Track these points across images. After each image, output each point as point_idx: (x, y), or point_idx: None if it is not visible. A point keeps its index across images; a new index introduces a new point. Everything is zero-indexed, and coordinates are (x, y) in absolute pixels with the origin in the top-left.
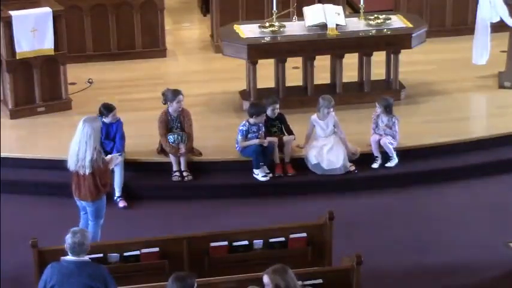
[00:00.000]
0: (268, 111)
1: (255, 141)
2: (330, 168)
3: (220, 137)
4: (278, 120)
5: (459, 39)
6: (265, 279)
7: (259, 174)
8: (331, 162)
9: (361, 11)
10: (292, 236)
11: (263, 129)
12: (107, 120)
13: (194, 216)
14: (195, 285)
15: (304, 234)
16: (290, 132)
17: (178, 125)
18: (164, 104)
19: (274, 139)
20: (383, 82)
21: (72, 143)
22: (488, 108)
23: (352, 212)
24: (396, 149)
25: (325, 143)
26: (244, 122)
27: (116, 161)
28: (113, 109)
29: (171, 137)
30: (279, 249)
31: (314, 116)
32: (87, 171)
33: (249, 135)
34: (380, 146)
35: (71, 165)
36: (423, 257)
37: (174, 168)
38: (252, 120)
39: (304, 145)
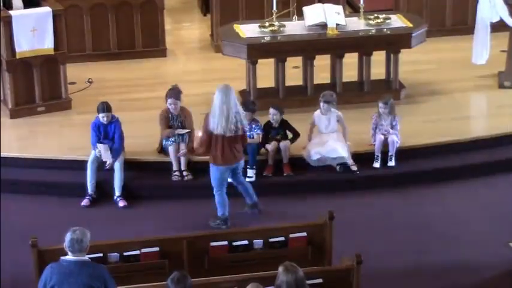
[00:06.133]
0: (269, 116)
1: None
2: (331, 157)
3: None
4: (281, 128)
5: (459, 39)
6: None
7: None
8: (333, 150)
9: (361, 10)
10: (292, 235)
11: (257, 131)
12: (100, 119)
13: (194, 216)
14: None
15: (304, 234)
16: (296, 134)
17: (179, 124)
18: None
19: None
20: (383, 82)
21: (222, 110)
22: (488, 108)
23: (352, 212)
24: (396, 149)
25: (328, 139)
26: None
27: None
28: (104, 110)
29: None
30: (279, 249)
31: (317, 112)
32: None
33: None
34: (383, 146)
35: (226, 131)
36: (423, 257)
37: (174, 167)
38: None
39: (308, 143)
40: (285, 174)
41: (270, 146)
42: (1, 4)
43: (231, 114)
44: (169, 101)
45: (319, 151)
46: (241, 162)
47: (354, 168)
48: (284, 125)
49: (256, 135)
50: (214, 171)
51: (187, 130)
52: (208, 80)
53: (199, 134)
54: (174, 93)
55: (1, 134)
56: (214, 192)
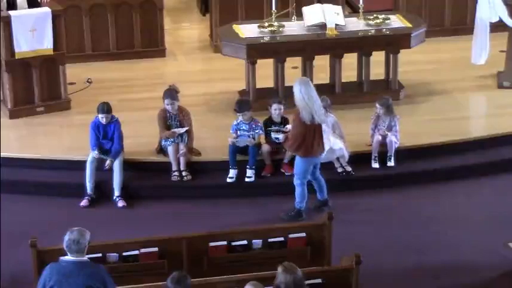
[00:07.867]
0: (272, 112)
1: (230, 140)
2: (334, 148)
3: (219, 137)
4: (282, 123)
5: (458, 39)
6: None
7: (228, 175)
8: (334, 142)
9: (361, 10)
10: (291, 235)
11: (259, 132)
12: (100, 119)
13: (193, 216)
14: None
15: (304, 234)
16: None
17: (178, 124)
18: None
19: (251, 141)
20: (382, 82)
21: (309, 99)
22: (488, 108)
23: (351, 212)
24: (396, 149)
25: (325, 140)
26: (237, 118)
27: None
28: (104, 111)
29: None
30: (278, 249)
31: None
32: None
33: (239, 133)
34: (380, 146)
35: (316, 120)
36: (423, 257)
37: (174, 168)
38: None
39: None
40: (287, 174)
41: (264, 148)
42: (5, 4)
43: (316, 103)
44: (166, 101)
45: None
46: (322, 156)
47: (349, 168)
48: (286, 121)
49: (257, 135)
50: (302, 163)
51: (186, 128)
52: (207, 80)
53: (287, 128)
54: (171, 93)
55: (1, 134)
56: (296, 184)
